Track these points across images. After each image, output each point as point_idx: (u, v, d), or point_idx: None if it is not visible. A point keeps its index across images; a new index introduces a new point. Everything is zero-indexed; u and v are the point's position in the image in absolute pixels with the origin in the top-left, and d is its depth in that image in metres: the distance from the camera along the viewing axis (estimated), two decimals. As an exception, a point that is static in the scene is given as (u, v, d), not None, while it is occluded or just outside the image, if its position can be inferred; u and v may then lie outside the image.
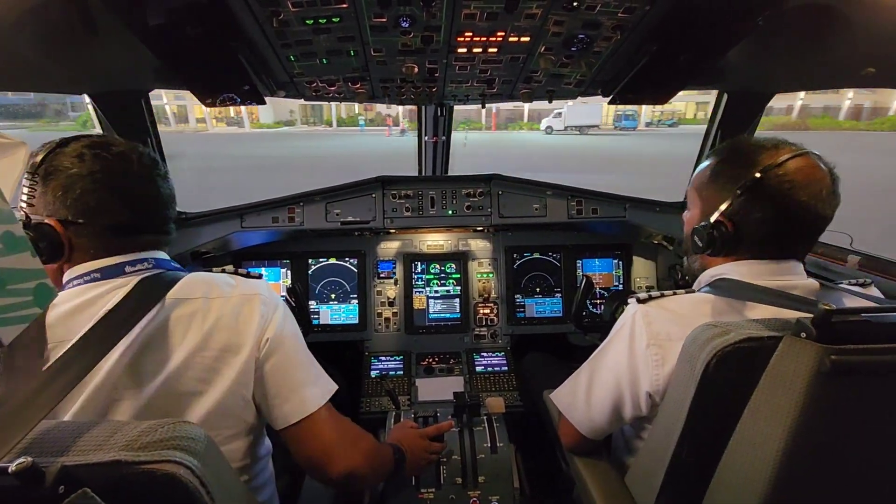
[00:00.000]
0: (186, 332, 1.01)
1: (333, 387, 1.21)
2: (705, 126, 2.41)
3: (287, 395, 1.11)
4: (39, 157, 1.01)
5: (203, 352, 1.01)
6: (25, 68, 1.40)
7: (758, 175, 1.08)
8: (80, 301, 0.97)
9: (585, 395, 1.29)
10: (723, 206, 1.13)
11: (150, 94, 2.03)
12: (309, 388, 1.14)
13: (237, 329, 1.05)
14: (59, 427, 0.74)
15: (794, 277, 1.12)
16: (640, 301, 1.18)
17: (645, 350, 1.12)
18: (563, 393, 1.38)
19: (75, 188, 0.98)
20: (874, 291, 1.20)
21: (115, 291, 0.99)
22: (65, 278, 1.03)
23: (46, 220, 0.99)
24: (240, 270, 1.20)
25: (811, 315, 0.84)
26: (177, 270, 1.11)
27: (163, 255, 1.13)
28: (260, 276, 1.21)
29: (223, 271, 1.18)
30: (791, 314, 0.98)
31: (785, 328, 0.91)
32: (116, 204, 1.02)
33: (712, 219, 1.15)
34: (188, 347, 1.00)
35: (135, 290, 0.97)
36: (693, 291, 1.20)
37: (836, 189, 1.09)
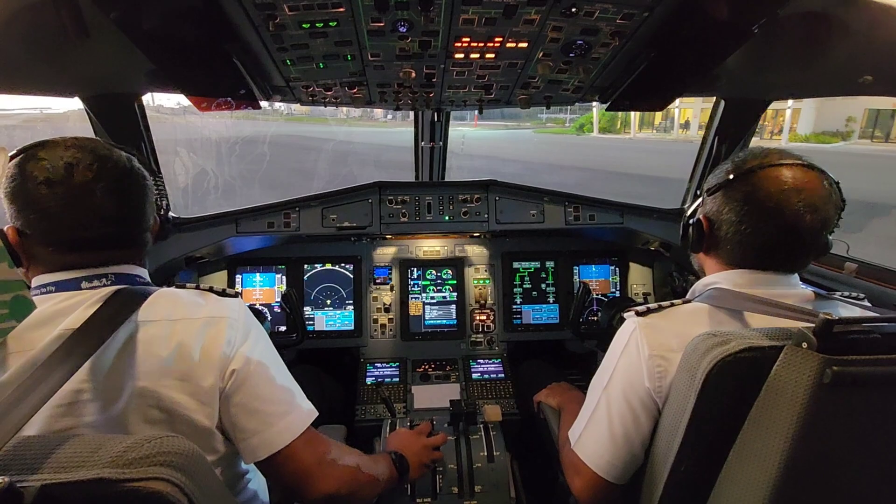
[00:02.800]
0: (146, 358, 0.95)
1: (310, 415, 1.14)
2: None
3: (254, 430, 1.04)
4: (11, 160, 0.98)
5: (162, 380, 0.95)
6: (15, 70, 1.38)
7: (731, 177, 1.13)
8: (36, 313, 0.94)
9: (608, 431, 1.16)
10: (697, 202, 1.21)
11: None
12: (279, 423, 1.06)
13: (199, 357, 0.99)
14: (39, 442, 0.71)
15: (787, 288, 1.12)
16: (638, 314, 1.17)
17: (648, 360, 1.10)
18: (589, 442, 1.20)
19: (28, 199, 0.96)
20: (867, 305, 1.19)
21: (74, 307, 0.95)
22: (31, 284, 1.01)
23: (5, 228, 0.98)
24: (214, 287, 1.13)
25: (812, 325, 0.83)
26: (144, 286, 1.06)
27: (131, 268, 1.07)
28: (237, 295, 1.13)
29: (197, 287, 1.11)
30: (789, 323, 0.97)
31: (786, 338, 0.90)
32: (70, 219, 0.97)
33: (688, 212, 1.24)
34: (147, 375, 0.94)
35: (103, 309, 0.93)
36: (688, 301, 1.20)
37: (819, 205, 1.06)
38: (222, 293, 1.11)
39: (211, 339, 1.01)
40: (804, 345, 0.82)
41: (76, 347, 0.86)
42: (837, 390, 0.80)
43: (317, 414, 1.15)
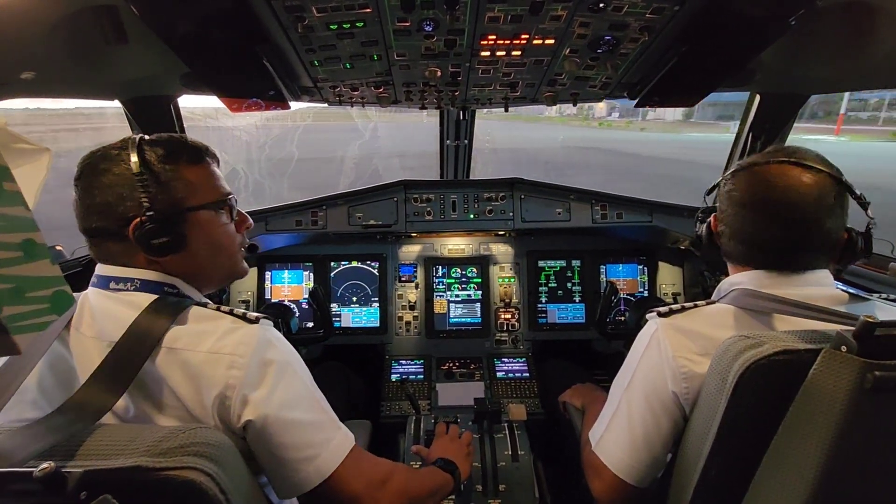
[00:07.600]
0: (154, 387, 0.90)
1: (345, 446, 1.04)
2: None
3: (283, 476, 0.98)
4: None
5: (160, 414, 0.91)
6: (60, 76, 1.45)
7: (730, 175, 1.16)
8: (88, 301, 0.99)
9: (629, 434, 1.15)
10: (707, 204, 1.25)
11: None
12: (307, 467, 0.98)
13: (195, 399, 0.89)
14: (82, 431, 0.75)
15: (816, 289, 1.07)
16: (660, 315, 1.14)
17: (671, 363, 1.08)
18: (609, 444, 1.20)
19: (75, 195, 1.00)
20: None
21: (112, 311, 0.96)
22: None
23: None
24: (235, 310, 0.98)
25: (851, 327, 0.79)
26: (176, 297, 1.00)
27: (149, 273, 1.00)
28: (257, 321, 0.97)
29: (218, 308, 0.99)
30: (821, 326, 0.93)
31: (823, 340, 0.87)
32: (91, 214, 0.98)
33: (698, 215, 1.29)
34: (148, 407, 0.91)
35: (139, 322, 0.91)
36: (713, 302, 1.16)
37: (811, 200, 1.04)
38: (242, 317, 0.97)
39: (207, 379, 0.89)
40: (843, 348, 0.79)
41: (117, 372, 0.85)
42: (879, 396, 0.76)
43: (353, 443, 1.07)
